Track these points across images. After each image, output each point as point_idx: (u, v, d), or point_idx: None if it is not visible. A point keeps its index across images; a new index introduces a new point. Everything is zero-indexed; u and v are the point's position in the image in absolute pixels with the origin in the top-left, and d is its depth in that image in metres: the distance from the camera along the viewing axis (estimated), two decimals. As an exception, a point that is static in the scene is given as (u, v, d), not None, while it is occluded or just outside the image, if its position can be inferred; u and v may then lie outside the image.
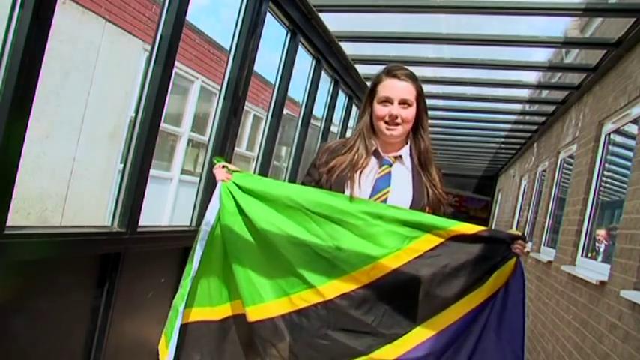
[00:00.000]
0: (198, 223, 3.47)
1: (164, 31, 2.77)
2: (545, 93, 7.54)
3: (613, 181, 4.63)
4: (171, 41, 2.77)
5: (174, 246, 3.29)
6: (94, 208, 7.87)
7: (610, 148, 4.69)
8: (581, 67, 5.45)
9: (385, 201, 2.04)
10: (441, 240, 1.97)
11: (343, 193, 2.04)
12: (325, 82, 5.41)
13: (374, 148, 2.10)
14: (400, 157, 2.11)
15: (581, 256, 4.74)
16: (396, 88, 2.05)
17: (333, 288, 1.96)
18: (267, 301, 2.00)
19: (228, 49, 3.57)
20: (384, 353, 1.94)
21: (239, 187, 2.06)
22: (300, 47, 4.34)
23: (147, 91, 2.76)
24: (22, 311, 2.24)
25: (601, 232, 4.51)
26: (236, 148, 3.89)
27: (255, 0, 3.49)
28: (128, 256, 2.72)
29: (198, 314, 2.06)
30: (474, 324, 1.96)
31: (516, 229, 9.47)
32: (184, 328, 2.04)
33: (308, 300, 1.96)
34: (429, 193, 2.09)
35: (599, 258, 4.41)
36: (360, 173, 2.06)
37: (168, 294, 3.28)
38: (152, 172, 2.95)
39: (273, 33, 4.17)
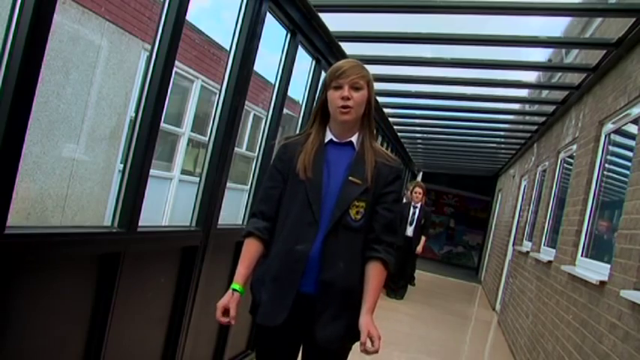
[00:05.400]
0: (198, 223, 3.49)
1: (164, 31, 2.77)
2: (545, 93, 7.54)
3: (613, 181, 4.63)
4: (171, 41, 2.77)
5: (175, 246, 3.29)
6: (93, 208, 7.87)
7: (610, 148, 4.69)
8: (581, 67, 5.45)
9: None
10: None
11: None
12: (325, 82, 5.39)
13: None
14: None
15: (581, 256, 4.74)
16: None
17: None
18: None
19: (228, 49, 3.57)
20: None
21: None
22: (300, 47, 4.34)
23: (147, 91, 2.76)
24: (22, 311, 2.24)
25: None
26: (236, 148, 3.89)
27: (255, 0, 3.49)
28: (128, 256, 2.72)
29: None
30: None
31: (516, 229, 9.47)
32: None
33: None
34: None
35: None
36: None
37: (169, 294, 3.29)
38: (152, 171, 2.95)
39: (273, 33, 4.17)
